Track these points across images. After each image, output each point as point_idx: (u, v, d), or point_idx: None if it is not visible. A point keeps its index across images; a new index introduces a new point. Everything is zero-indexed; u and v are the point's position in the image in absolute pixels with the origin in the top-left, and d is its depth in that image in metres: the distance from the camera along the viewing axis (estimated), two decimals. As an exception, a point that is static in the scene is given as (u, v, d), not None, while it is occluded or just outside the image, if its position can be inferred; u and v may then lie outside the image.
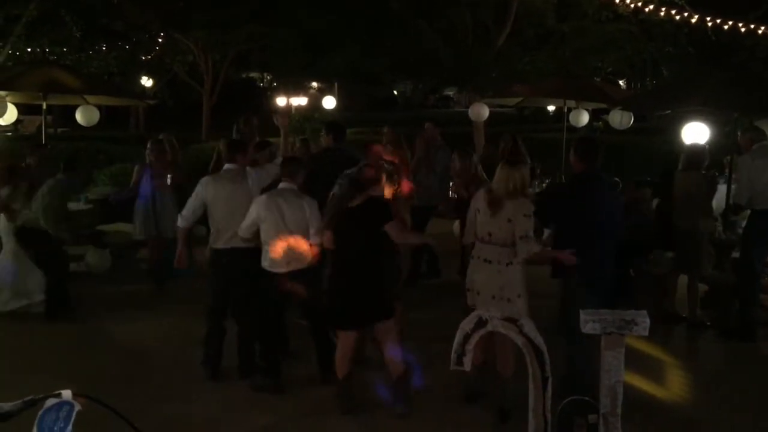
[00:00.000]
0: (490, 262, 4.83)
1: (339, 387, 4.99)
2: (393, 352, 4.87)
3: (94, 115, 9.75)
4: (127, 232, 8.99)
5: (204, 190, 5.47)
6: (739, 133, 7.16)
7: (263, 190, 5.51)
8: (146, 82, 23.44)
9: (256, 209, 5.14)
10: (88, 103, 9.59)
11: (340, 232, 4.88)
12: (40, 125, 9.51)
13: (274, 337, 5.36)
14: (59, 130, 20.39)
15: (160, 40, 18.25)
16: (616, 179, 7.38)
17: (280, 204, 5.10)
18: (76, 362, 5.85)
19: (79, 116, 9.72)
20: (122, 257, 8.94)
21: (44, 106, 9.11)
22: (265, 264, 5.17)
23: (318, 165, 6.49)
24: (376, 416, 4.88)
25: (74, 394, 1.81)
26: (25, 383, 4.77)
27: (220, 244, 5.43)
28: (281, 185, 5.27)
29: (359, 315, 4.87)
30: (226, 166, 5.63)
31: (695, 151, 7.13)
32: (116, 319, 6.91)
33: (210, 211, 5.47)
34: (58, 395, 1.80)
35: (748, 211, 6.84)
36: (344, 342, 4.93)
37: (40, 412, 1.82)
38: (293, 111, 22.60)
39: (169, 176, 7.88)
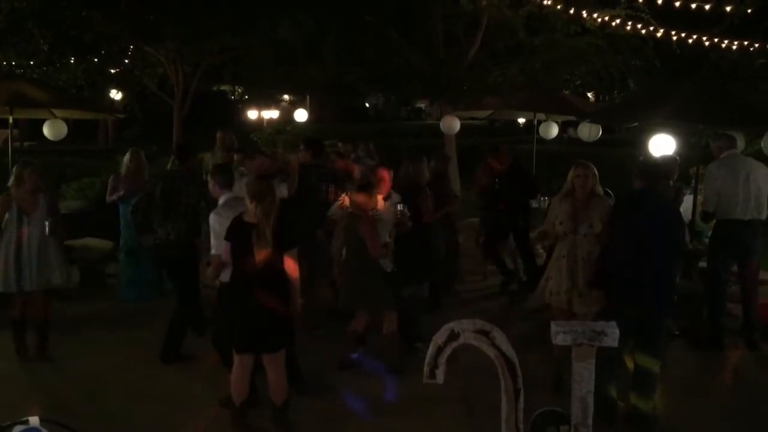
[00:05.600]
0: None
1: (236, 413, 4.79)
2: (279, 380, 4.80)
3: (62, 129, 9.60)
4: (97, 247, 8.86)
5: None
6: (710, 141, 7.29)
7: None
8: (115, 95, 23.18)
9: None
10: (55, 116, 9.45)
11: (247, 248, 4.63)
12: (7, 138, 9.34)
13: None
14: (26, 143, 20.09)
15: (129, 52, 18.06)
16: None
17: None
18: (40, 386, 5.75)
19: (46, 130, 9.56)
20: (92, 273, 8.80)
21: (11, 120, 8.94)
22: (225, 278, 5.02)
23: (301, 180, 6.78)
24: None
25: (42, 420, 1.78)
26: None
27: None
28: (235, 196, 5.29)
29: (262, 338, 4.69)
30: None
31: (664, 162, 7.25)
32: (80, 340, 6.77)
33: None
34: (26, 422, 1.77)
35: (715, 221, 6.97)
36: (242, 365, 4.74)
37: (8, 439, 1.79)
38: (265, 124, 22.56)
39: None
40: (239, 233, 4.68)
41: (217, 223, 5.13)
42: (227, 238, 4.76)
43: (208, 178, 5.58)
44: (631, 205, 5.22)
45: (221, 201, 5.33)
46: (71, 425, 1.85)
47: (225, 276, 4.96)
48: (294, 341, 4.93)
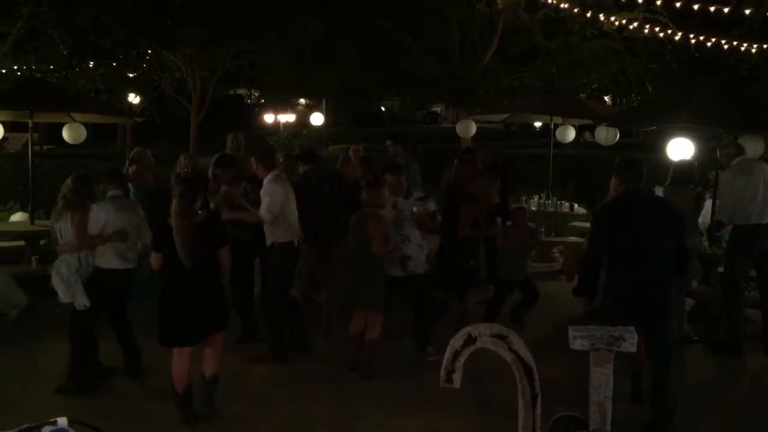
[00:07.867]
0: None
1: (180, 400, 5.00)
2: (216, 356, 5.10)
3: (81, 133, 9.70)
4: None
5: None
6: (718, 150, 7.26)
7: None
8: (133, 98, 23.39)
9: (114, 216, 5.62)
10: (74, 120, 9.55)
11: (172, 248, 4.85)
12: (26, 143, 9.45)
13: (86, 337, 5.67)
14: (45, 147, 20.26)
15: (147, 57, 18.24)
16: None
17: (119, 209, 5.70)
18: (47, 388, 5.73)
19: (65, 134, 9.67)
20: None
21: (30, 124, 9.05)
22: (113, 264, 5.61)
23: (304, 184, 6.94)
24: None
25: (70, 422, 1.79)
26: None
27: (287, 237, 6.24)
28: (116, 192, 5.80)
29: (198, 331, 4.96)
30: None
31: (682, 166, 7.19)
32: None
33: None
34: (54, 423, 1.78)
35: (732, 226, 6.91)
36: (182, 357, 4.96)
37: (37, 440, 1.80)
38: (281, 128, 22.65)
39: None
40: (170, 238, 4.83)
41: (94, 214, 5.58)
42: (161, 246, 4.90)
43: (104, 180, 5.93)
44: (621, 210, 4.84)
45: (108, 194, 5.83)
46: (99, 426, 1.86)
47: (105, 262, 5.58)
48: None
